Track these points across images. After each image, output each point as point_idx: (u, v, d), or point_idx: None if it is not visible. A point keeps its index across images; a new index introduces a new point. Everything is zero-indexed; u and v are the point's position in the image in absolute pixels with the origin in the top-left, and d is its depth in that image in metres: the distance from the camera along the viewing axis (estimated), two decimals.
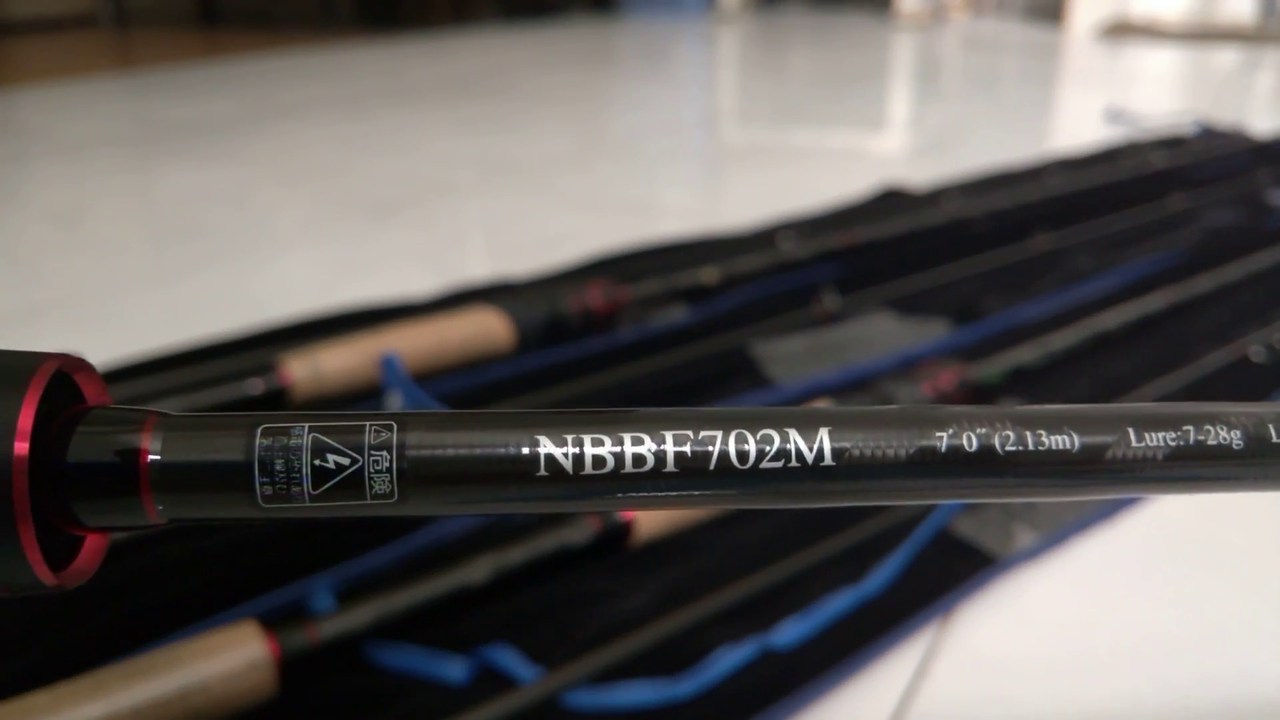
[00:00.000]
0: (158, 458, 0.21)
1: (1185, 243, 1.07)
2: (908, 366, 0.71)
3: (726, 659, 0.47)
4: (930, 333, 0.86)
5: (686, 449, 0.22)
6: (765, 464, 0.22)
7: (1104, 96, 2.12)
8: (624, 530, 0.54)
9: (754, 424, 0.22)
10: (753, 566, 0.52)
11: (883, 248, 1.02)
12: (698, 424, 0.22)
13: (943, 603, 0.51)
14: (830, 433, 0.22)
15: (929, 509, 0.56)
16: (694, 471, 0.22)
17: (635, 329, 0.85)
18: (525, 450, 0.21)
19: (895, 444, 0.22)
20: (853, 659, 0.47)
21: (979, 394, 0.70)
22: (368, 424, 0.21)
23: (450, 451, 0.21)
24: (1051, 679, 0.47)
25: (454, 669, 0.46)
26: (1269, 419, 0.24)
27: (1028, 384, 0.74)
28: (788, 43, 3.42)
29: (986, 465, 0.23)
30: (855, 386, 0.72)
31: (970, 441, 0.23)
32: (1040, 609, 0.52)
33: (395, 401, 0.67)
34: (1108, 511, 0.60)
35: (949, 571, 0.53)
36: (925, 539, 0.55)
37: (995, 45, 3.21)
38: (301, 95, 2.26)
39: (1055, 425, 0.23)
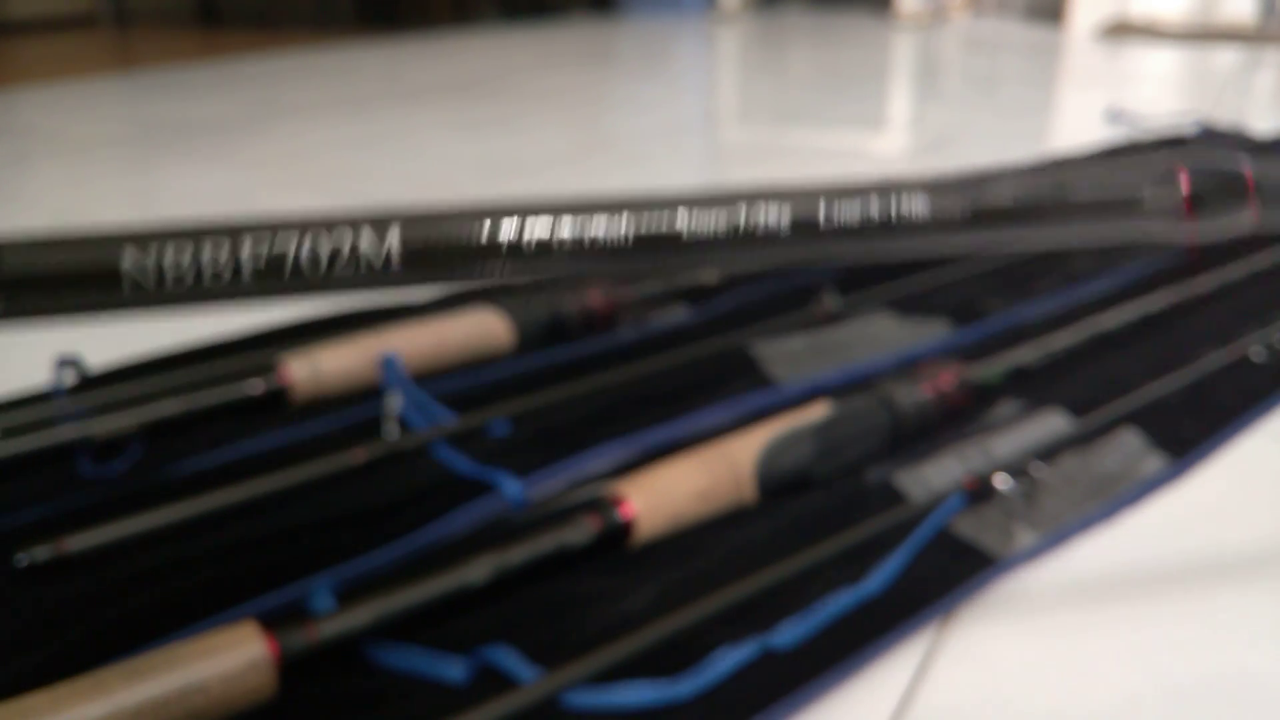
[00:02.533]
0: None
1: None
2: (908, 366, 0.71)
3: (726, 659, 0.47)
4: (930, 333, 0.86)
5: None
6: (339, 271, 0.24)
7: (1104, 97, 2.12)
8: (624, 530, 0.54)
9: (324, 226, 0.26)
10: (753, 567, 0.52)
11: None
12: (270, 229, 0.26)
13: (943, 603, 0.51)
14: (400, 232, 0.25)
15: (930, 508, 0.56)
16: (270, 275, 0.25)
17: (635, 329, 0.85)
18: (108, 257, 0.23)
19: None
20: (853, 659, 0.47)
21: (980, 394, 0.70)
22: None
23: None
24: (1051, 679, 0.48)
25: (454, 669, 0.46)
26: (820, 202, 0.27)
27: (1028, 384, 0.74)
28: (788, 43, 3.42)
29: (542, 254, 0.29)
30: (856, 386, 0.72)
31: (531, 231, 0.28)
32: (1040, 609, 0.53)
33: (396, 402, 0.67)
34: (1108, 511, 0.60)
35: (949, 571, 0.53)
36: (925, 539, 0.55)
37: (995, 45, 3.21)
38: (302, 95, 2.26)
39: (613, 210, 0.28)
